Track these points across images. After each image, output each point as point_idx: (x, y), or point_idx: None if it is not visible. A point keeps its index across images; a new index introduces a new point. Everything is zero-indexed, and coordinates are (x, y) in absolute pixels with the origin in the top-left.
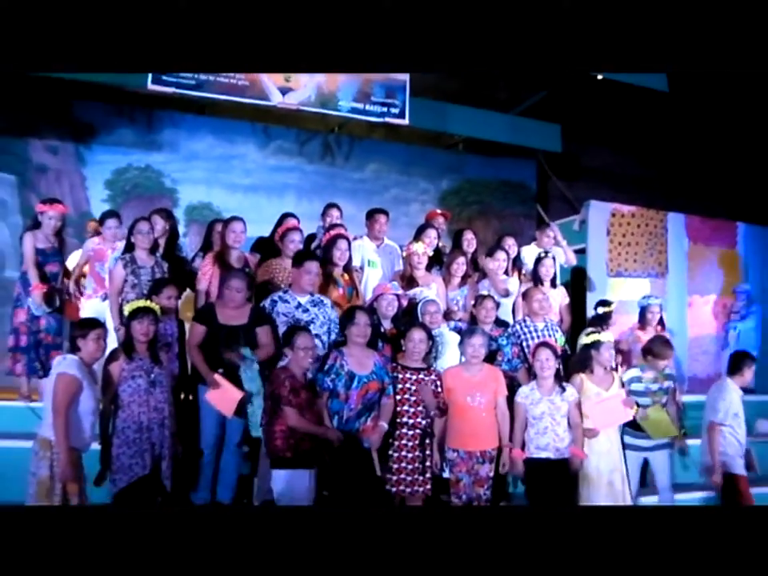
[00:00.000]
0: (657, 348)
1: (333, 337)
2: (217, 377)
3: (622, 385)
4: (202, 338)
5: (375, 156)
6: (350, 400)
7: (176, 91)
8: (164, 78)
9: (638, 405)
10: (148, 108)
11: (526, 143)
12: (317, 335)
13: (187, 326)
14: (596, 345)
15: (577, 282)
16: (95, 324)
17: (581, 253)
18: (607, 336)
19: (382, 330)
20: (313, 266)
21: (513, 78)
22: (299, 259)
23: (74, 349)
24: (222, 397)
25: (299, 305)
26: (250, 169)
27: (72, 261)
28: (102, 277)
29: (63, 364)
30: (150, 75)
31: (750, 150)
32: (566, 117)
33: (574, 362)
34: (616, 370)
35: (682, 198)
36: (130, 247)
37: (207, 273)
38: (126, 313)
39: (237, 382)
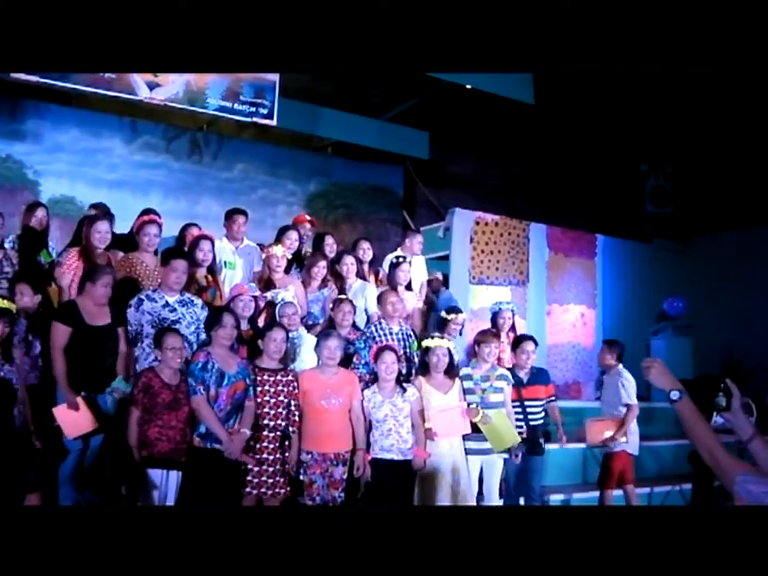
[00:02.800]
0: (480, 336)
1: (202, 337)
2: (79, 400)
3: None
4: (67, 340)
5: (243, 156)
6: (219, 399)
7: (39, 80)
8: None
9: (469, 404)
10: (12, 96)
11: (395, 149)
12: (183, 336)
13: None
14: (427, 350)
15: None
16: None
17: (444, 260)
18: (440, 342)
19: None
20: (179, 264)
21: (384, 83)
22: (166, 257)
23: None
24: (73, 420)
25: (167, 303)
26: (116, 163)
27: None
28: None
29: None
30: None
31: (612, 164)
32: (434, 124)
33: (417, 365)
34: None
35: (545, 208)
36: None
37: (71, 268)
38: None
39: (95, 407)
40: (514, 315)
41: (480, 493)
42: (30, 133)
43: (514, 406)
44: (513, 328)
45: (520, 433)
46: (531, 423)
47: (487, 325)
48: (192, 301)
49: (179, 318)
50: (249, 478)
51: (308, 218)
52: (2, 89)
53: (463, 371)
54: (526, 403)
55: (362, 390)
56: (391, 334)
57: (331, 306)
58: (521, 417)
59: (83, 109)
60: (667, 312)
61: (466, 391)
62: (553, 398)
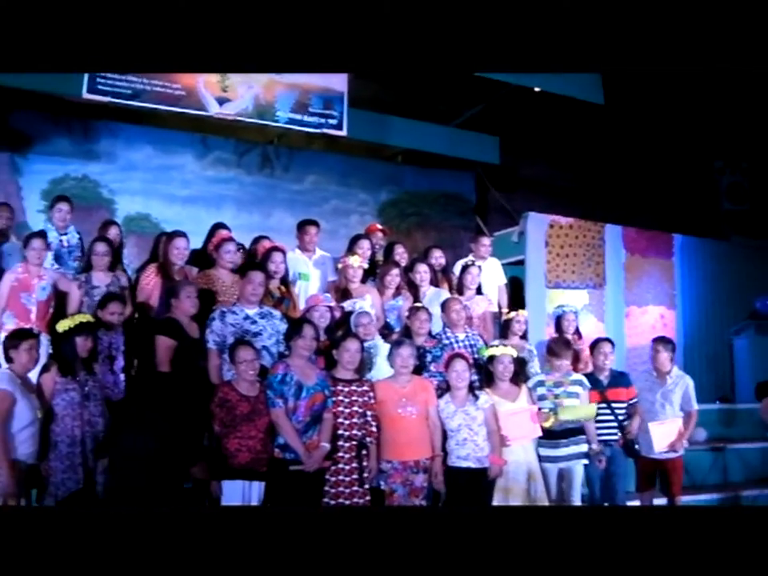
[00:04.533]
0: (553, 346)
1: (282, 348)
2: None
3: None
4: (171, 354)
5: (314, 167)
6: (298, 411)
7: (111, 100)
8: (99, 86)
9: (549, 409)
10: (85, 117)
11: (465, 155)
12: (264, 347)
13: None
14: (490, 359)
15: (516, 293)
16: (27, 335)
17: (519, 264)
18: (504, 350)
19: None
20: (256, 276)
21: (452, 89)
22: (243, 270)
23: (8, 360)
24: None
25: (247, 316)
26: (189, 180)
27: None
28: (27, 309)
29: None
30: (85, 84)
31: (686, 161)
32: (504, 129)
33: (483, 375)
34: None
35: (619, 209)
36: (89, 267)
37: (150, 284)
38: (65, 327)
39: None
40: (576, 318)
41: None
42: (104, 153)
43: (600, 408)
44: (577, 331)
45: (614, 434)
46: (623, 424)
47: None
48: (271, 313)
49: (260, 330)
50: (326, 488)
51: (380, 227)
52: (75, 110)
53: (536, 378)
54: (613, 405)
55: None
56: (457, 342)
57: (407, 314)
58: (610, 418)
59: (155, 127)
60: (759, 310)
61: (539, 398)
62: (635, 401)
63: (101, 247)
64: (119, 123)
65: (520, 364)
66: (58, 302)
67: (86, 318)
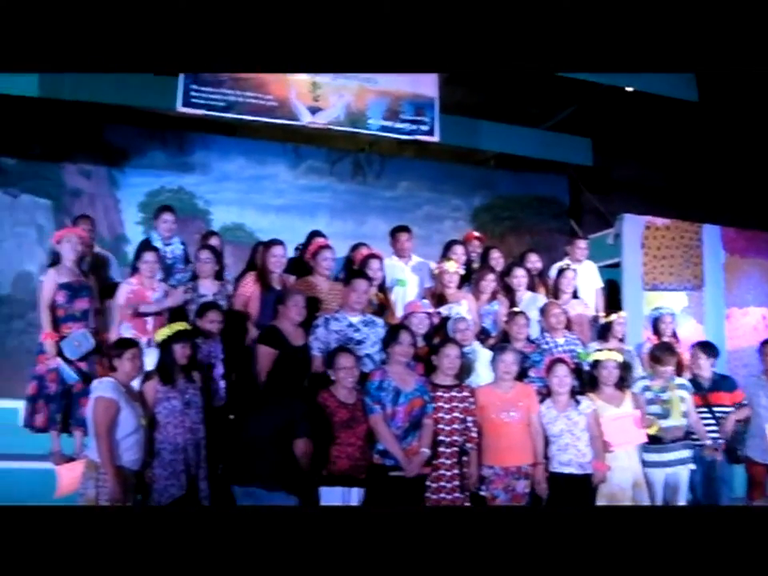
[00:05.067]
0: (658, 353)
1: (384, 356)
2: None
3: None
4: (272, 362)
5: (406, 174)
6: (396, 417)
7: (206, 113)
8: (193, 99)
9: (656, 415)
10: (179, 130)
11: (557, 158)
12: (368, 355)
13: None
14: (595, 364)
15: (612, 296)
16: (130, 343)
17: (615, 267)
18: (609, 355)
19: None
20: (360, 284)
21: (542, 91)
22: (347, 278)
23: (112, 369)
24: None
25: (350, 324)
26: (282, 189)
27: None
28: (143, 320)
29: (99, 388)
30: (179, 98)
31: None
32: (596, 130)
33: (585, 379)
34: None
35: (717, 209)
36: (196, 276)
37: (248, 292)
38: (163, 335)
39: None
40: (674, 320)
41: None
42: (199, 164)
43: (701, 412)
44: (675, 334)
45: (715, 439)
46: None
47: None
48: (374, 321)
49: (364, 338)
50: (427, 494)
51: (476, 234)
52: (170, 123)
53: (642, 383)
54: (714, 408)
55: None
56: (557, 346)
57: (505, 319)
58: (711, 422)
59: (248, 138)
60: None
61: (648, 402)
62: (742, 404)
63: (205, 254)
64: (213, 135)
65: (624, 368)
66: (173, 313)
67: (183, 326)
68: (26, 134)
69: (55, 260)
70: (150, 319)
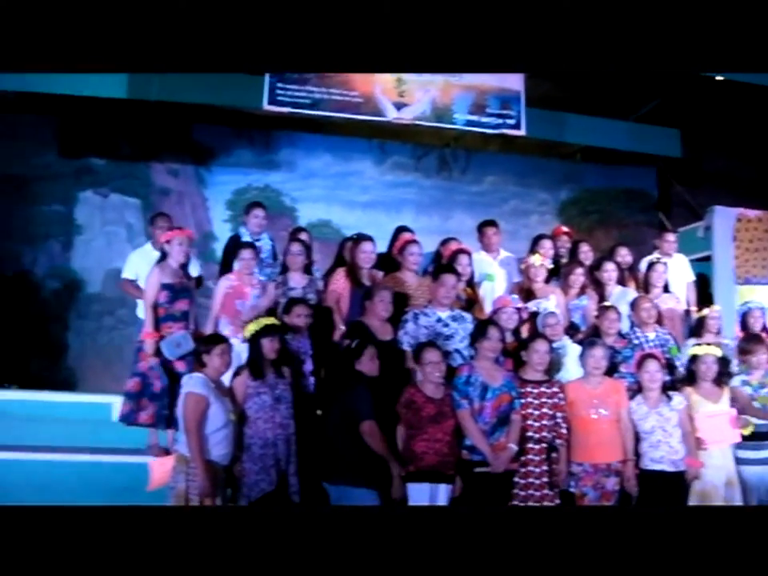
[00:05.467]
0: (744, 344)
1: (473, 352)
2: None
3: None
4: None
5: (492, 168)
6: (484, 412)
7: (292, 111)
8: (279, 97)
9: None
10: (265, 129)
11: (645, 150)
12: (457, 350)
13: None
14: (693, 359)
15: (703, 290)
16: (219, 339)
17: (706, 260)
18: (707, 350)
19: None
20: (449, 279)
21: (629, 82)
22: (436, 273)
23: (200, 365)
24: None
25: (439, 319)
26: (368, 185)
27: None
28: (240, 316)
29: (189, 383)
30: (265, 96)
31: None
32: (685, 121)
33: (683, 374)
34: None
35: None
36: (285, 270)
37: (338, 288)
38: (251, 330)
39: None
40: (764, 314)
41: None
42: (285, 162)
43: None
44: (765, 328)
45: None
46: None
47: None
48: (463, 316)
49: (453, 333)
50: (516, 491)
51: (564, 229)
52: (256, 122)
53: (739, 378)
54: None
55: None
56: (648, 341)
57: (595, 313)
58: None
59: (333, 135)
60: None
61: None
62: None
63: (296, 247)
64: (299, 133)
65: (723, 363)
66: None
67: (271, 320)
68: (115, 135)
69: (162, 259)
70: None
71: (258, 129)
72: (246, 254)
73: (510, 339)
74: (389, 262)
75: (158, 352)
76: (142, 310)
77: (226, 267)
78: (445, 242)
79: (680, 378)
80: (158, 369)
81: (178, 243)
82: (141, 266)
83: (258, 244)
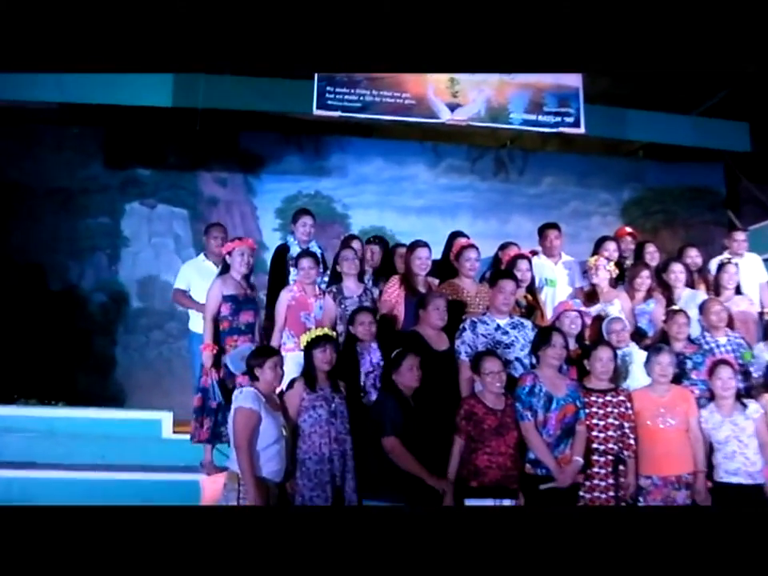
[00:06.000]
0: None
1: (534, 360)
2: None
3: None
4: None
5: (550, 169)
6: (548, 424)
7: (342, 115)
8: (329, 102)
9: None
10: (315, 134)
11: (711, 145)
12: (517, 358)
13: None
14: None
15: None
16: (271, 352)
17: None
18: None
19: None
20: (508, 285)
21: (692, 75)
22: (494, 278)
23: (252, 378)
24: None
25: (498, 327)
26: (422, 190)
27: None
28: (307, 328)
29: (240, 398)
30: (314, 101)
31: None
32: (753, 113)
33: (758, 380)
34: None
35: None
36: (336, 277)
37: (393, 296)
38: (304, 341)
39: None
40: None
41: None
42: (335, 168)
43: None
44: None
45: None
46: None
47: None
48: (522, 323)
49: (513, 341)
50: (581, 505)
51: (628, 230)
52: (305, 127)
53: None
54: None
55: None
56: (718, 346)
57: (663, 318)
58: None
59: (385, 139)
60: None
61: None
62: None
63: (350, 252)
64: (349, 137)
65: None
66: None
67: (324, 331)
68: (161, 145)
69: (223, 270)
70: (312, 327)
71: (308, 134)
72: (305, 262)
73: (573, 346)
74: (445, 268)
75: (216, 365)
76: (195, 323)
77: (275, 278)
78: (503, 247)
79: (756, 385)
80: (216, 383)
81: (240, 254)
82: (193, 276)
83: None
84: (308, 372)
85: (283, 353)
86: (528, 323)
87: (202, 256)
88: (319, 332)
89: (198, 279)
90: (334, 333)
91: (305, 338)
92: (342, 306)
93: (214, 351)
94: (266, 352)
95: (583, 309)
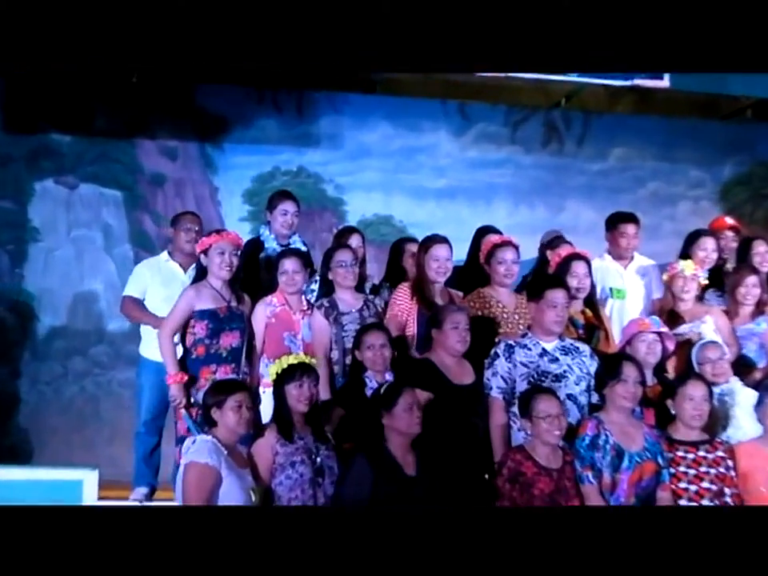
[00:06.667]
0: None
1: (595, 398)
2: None
3: None
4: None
5: (621, 137)
6: (618, 488)
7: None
8: None
9: None
10: (297, 88)
11: None
12: (570, 395)
13: None
14: None
15: None
16: (234, 387)
17: None
18: None
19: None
20: (558, 297)
21: None
22: (538, 288)
23: (209, 424)
24: None
25: (544, 352)
26: (443, 166)
27: None
28: (293, 353)
29: (192, 449)
30: None
31: None
32: None
33: None
34: None
35: None
36: (328, 285)
37: (402, 311)
38: (273, 374)
39: None
40: None
41: None
42: (326, 135)
43: None
44: None
45: None
46: None
47: None
48: (577, 348)
49: (564, 372)
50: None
51: (729, 221)
52: (284, 79)
53: None
54: None
55: None
56: None
57: None
58: None
59: (393, 95)
60: None
61: None
62: None
63: (346, 256)
64: (344, 93)
65: None
66: None
67: (299, 358)
68: (84, 101)
69: (198, 276)
70: (300, 353)
71: (288, 88)
72: (288, 264)
73: (651, 381)
74: (472, 274)
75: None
76: (148, 345)
77: (246, 285)
78: (552, 245)
79: None
80: (194, 426)
81: (219, 252)
82: (152, 282)
83: None
84: (280, 416)
85: (261, 389)
86: (586, 348)
87: (165, 255)
88: (292, 359)
89: (158, 285)
90: (321, 360)
91: (273, 369)
92: (339, 325)
93: (184, 381)
94: (226, 388)
95: (664, 329)
